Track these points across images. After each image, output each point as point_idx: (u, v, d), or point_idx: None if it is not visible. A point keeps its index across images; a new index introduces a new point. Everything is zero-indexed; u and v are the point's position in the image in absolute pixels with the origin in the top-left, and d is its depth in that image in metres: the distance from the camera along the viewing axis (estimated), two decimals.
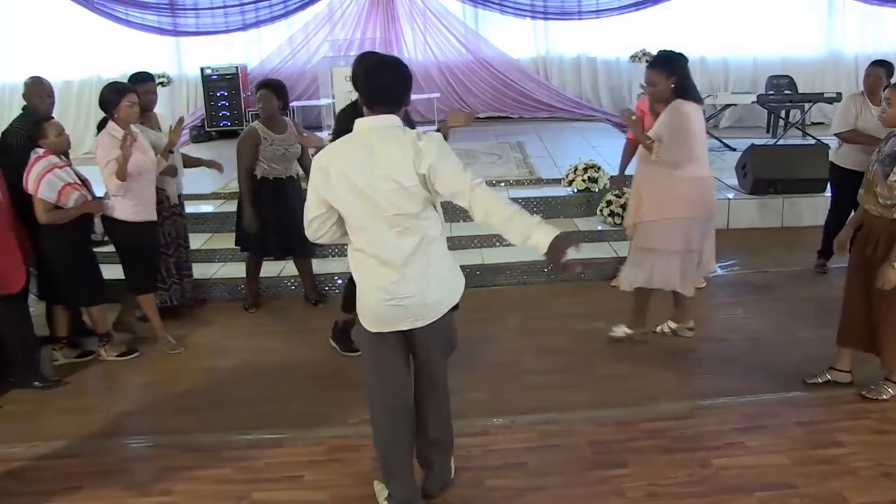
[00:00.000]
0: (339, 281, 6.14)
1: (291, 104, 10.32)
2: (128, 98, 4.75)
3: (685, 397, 4.33)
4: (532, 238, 2.84)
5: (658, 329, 5.14)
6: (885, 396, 4.15)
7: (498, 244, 6.63)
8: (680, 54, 5.22)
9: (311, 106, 10.45)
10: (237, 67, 11.16)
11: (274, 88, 5.46)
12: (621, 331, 5.05)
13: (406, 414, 3.28)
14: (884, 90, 4.69)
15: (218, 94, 11.02)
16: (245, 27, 11.66)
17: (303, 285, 6.06)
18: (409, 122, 4.00)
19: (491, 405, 4.29)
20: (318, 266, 6.24)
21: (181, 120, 5.48)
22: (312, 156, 3.76)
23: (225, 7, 11.47)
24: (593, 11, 11.67)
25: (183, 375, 4.91)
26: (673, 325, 5.13)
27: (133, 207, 4.88)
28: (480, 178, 2.93)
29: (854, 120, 5.78)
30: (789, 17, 11.67)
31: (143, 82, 5.25)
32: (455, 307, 3.24)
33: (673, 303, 5.04)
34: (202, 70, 11.07)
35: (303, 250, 5.73)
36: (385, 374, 3.19)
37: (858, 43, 11.94)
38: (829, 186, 6.61)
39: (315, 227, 3.02)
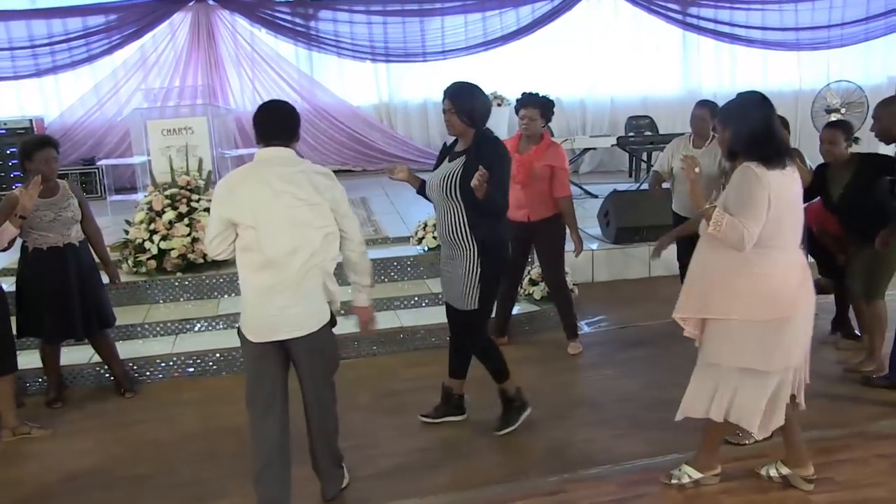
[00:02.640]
0: (162, 364, 5.89)
1: (99, 163, 10.00)
2: None
3: (557, 470, 4.39)
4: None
5: (763, 472, 4.19)
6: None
7: (343, 312, 6.54)
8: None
9: (122, 164, 10.07)
10: (31, 120, 10.69)
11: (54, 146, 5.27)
12: (686, 475, 4.15)
13: None
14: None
15: (8, 153, 10.46)
16: (39, 73, 11.21)
17: (111, 372, 5.75)
18: None
19: (346, 494, 4.20)
20: (133, 349, 5.98)
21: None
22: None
23: (11, 49, 10.97)
24: (439, 52, 12.01)
25: None
26: (785, 469, 4.15)
27: None
28: None
29: (667, 161, 6.13)
30: (645, 56, 12.50)
31: None
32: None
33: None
34: None
35: (89, 329, 5.49)
36: None
37: (715, 80, 12.94)
38: None
39: None
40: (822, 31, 13.18)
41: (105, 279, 5.74)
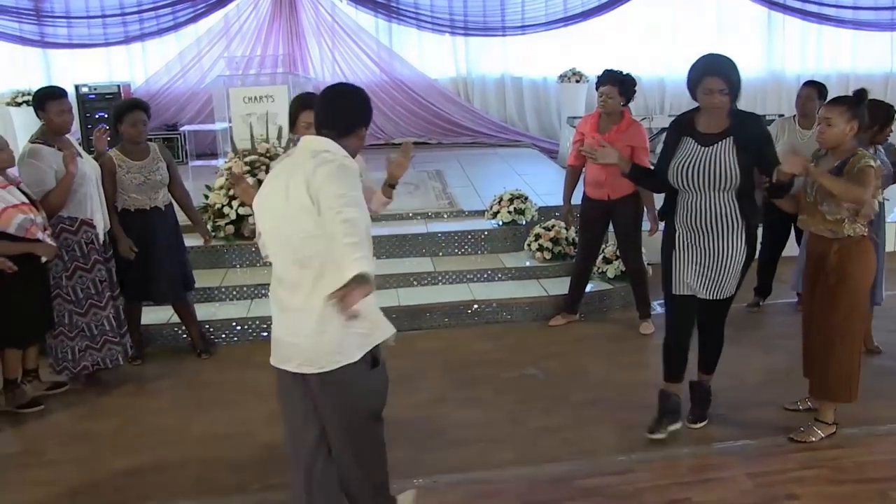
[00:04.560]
0: (238, 328, 5.99)
1: (182, 128, 10.15)
2: None
3: (625, 450, 4.34)
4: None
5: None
6: (813, 438, 4.31)
7: (416, 283, 6.59)
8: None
9: (204, 131, 10.23)
10: (119, 86, 10.86)
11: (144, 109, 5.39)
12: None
13: None
14: (818, 110, 4.88)
15: (97, 117, 10.70)
16: (128, 40, 11.37)
17: (188, 334, 5.87)
18: None
19: (411, 465, 4.21)
20: (210, 311, 6.10)
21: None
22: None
23: (103, 17, 11.15)
24: (518, 27, 11.86)
25: (49, 440, 4.68)
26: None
27: None
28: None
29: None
30: (728, 36, 12.15)
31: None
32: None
33: None
34: (77, 88, 10.71)
35: (175, 294, 5.65)
36: None
37: (799, 62, 12.54)
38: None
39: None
40: None
41: (190, 242, 5.86)
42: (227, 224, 6.76)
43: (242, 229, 6.76)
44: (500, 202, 7.25)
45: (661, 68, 12.16)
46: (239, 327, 6.04)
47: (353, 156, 3.11)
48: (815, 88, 6.00)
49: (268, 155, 6.97)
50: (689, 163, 4.10)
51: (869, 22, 12.55)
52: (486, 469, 4.19)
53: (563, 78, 11.62)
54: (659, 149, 11.37)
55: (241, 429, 4.71)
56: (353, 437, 3.21)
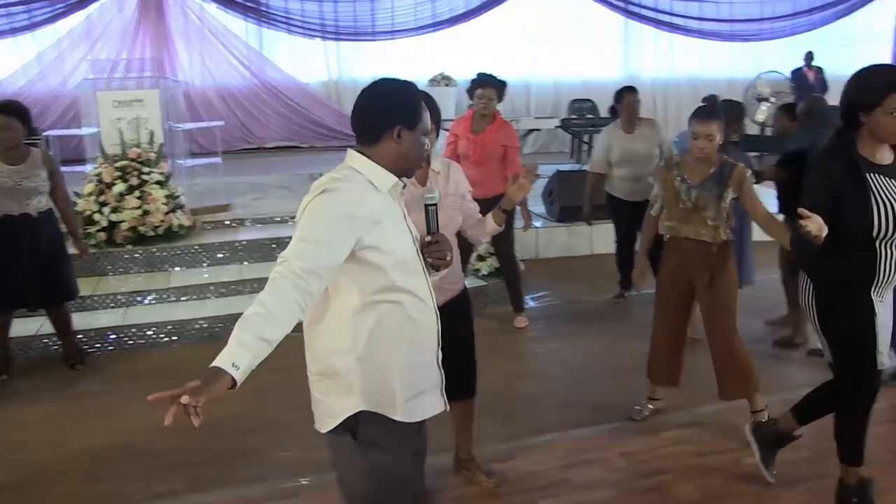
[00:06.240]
0: (112, 336, 5.79)
1: (46, 133, 9.69)
2: None
3: (505, 438, 4.43)
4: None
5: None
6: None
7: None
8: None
9: (69, 135, 9.77)
10: None
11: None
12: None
13: None
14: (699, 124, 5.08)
15: None
16: None
17: (62, 344, 5.63)
18: None
19: (300, 464, 4.18)
20: (84, 320, 5.87)
21: None
22: None
23: None
24: (388, 32, 11.96)
25: None
26: None
27: None
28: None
29: (605, 154, 6.26)
30: (588, 42, 12.64)
31: None
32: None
33: None
34: None
35: (47, 299, 5.38)
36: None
37: (654, 67, 13.20)
38: None
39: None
40: (753, 23, 13.60)
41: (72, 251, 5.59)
42: (98, 231, 6.52)
43: (115, 236, 6.53)
44: None
45: (527, 72, 12.48)
46: (114, 336, 5.82)
47: (404, 166, 2.45)
48: (637, 94, 6.32)
49: (139, 160, 6.76)
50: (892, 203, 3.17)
51: (712, 32, 13.42)
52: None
53: (433, 81, 11.75)
54: (526, 149, 11.55)
55: (123, 439, 4.51)
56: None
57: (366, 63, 12.26)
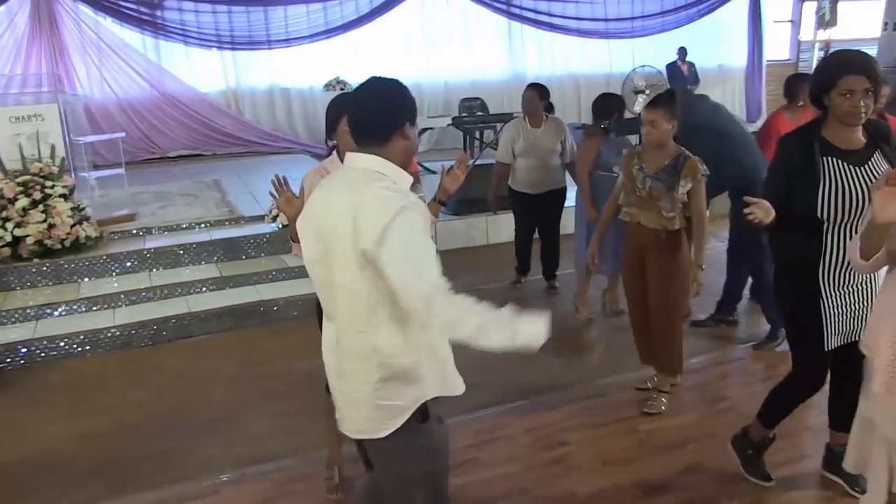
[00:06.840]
0: (24, 350, 5.60)
1: None
2: None
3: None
4: (520, 335, 2.36)
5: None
6: (663, 409, 4.54)
7: (204, 290, 6.44)
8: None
9: None
10: None
11: None
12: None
13: None
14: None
15: None
16: None
17: None
18: None
19: (219, 462, 4.19)
20: None
21: None
22: None
23: None
24: (283, 40, 11.91)
25: None
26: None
27: None
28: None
29: (511, 146, 6.40)
30: (475, 43, 12.85)
31: None
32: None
33: None
34: None
35: None
36: None
37: (538, 64, 13.52)
38: None
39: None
40: (626, 22, 14.06)
41: None
42: (2, 247, 6.29)
43: (20, 250, 6.32)
44: (278, 206, 7.19)
45: (419, 74, 12.56)
46: (25, 349, 5.68)
47: (409, 160, 2.50)
48: (536, 90, 6.38)
49: (42, 174, 6.55)
50: (847, 189, 3.14)
51: (590, 31, 13.83)
52: (293, 456, 4.21)
53: (328, 86, 11.74)
54: (420, 148, 11.60)
55: (40, 451, 4.43)
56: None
57: (263, 71, 12.22)
